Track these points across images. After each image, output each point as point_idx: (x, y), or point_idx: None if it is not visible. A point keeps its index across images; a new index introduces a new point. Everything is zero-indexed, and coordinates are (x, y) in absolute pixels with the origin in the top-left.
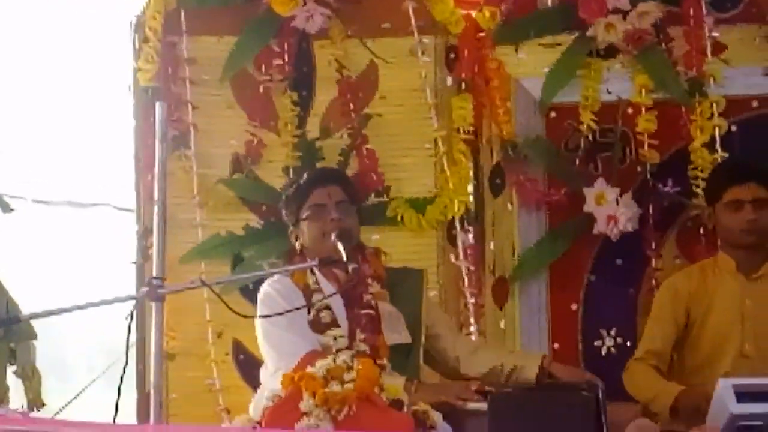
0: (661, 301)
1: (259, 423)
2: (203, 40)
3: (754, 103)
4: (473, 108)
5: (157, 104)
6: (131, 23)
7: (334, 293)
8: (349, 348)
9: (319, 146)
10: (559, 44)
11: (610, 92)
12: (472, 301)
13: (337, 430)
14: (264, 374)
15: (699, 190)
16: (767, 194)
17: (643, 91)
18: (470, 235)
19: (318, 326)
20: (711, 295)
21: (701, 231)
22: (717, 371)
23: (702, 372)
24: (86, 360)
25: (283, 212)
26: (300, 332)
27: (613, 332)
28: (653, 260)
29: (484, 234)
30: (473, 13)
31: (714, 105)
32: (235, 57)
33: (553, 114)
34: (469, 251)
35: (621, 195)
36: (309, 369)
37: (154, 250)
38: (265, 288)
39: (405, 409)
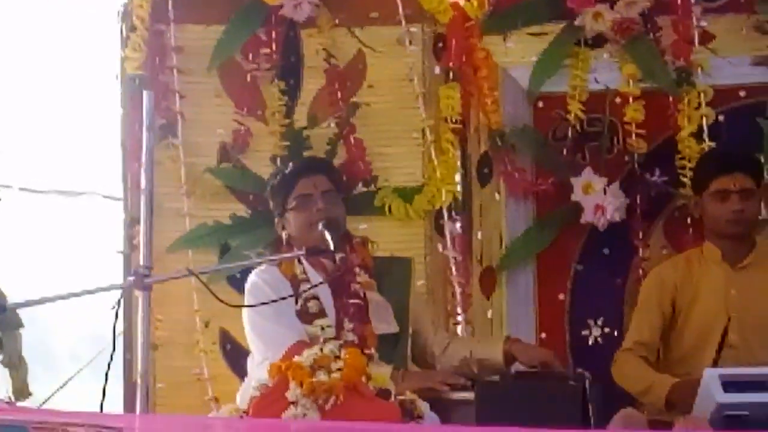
0: (647, 292)
1: (246, 412)
2: (191, 29)
3: (742, 93)
4: (461, 97)
5: (145, 93)
6: (118, 12)
7: (322, 282)
8: (336, 338)
9: (307, 135)
10: (547, 33)
11: (597, 82)
12: (460, 290)
13: (324, 419)
14: (251, 364)
15: (686, 180)
16: (754, 184)
17: (631, 80)
18: (458, 225)
19: (305, 316)
20: (697, 285)
21: (688, 221)
22: (702, 361)
23: (688, 362)
24: (73, 349)
25: (270, 202)
26: (287, 322)
27: (600, 322)
28: (640, 250)
29: (471, 223)
30: (461, 2)
31: (701, 95)
32: (222, 46)
33: (540, 103)
34: (456, 241)
35: (608, 184)
36: (296, 358)
37: (141, 240)
38: (252, 278)
39: (392, 398)
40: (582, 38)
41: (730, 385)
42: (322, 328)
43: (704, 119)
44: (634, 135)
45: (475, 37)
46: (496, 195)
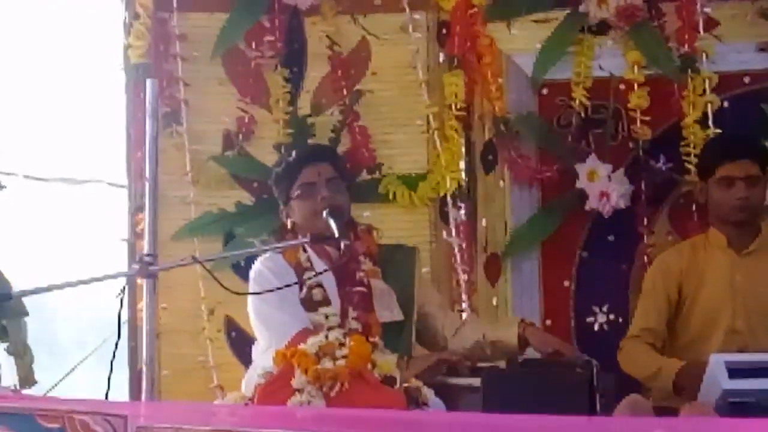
0: (652, 279)
1: (251, 400)
2: (194, 17)
3: (747, 79)
4: (465, 84)
5: (148, 81)
6: (122, 0)
7: (326, 270)
8: (341, 326)
9: (311, 123)
10: (551, 20)
11: (602, 68)
12: (464, 277)
13: (329, 406)
14: (256, 352)
15: (691, 167)
16: (759, 171)
17: (636, 67)
18: (462, 212)
19: (310, 304)
20: (702, 271)
21: (693, 207)
22: (708, 347)
23: (693, 348)
24: (78, 337)
25: (274, 190)
26: (291, 310)
27: (605, 309)
28: (645, 236)
29: (476, 210)
30: None
31: (706, 81)
32: (226, 33)
33: (545, 90)
34: (461, 228)
35: (613, 171)
36: (301, 346)
37: (146, 228)
38: (257, 266)
39: (397, 385)
40: (586, 25)
41: (735, 371)
42: (327, 316)
43: (709, 106)
44: (638, 122)
45: (479, 24)
46: (501, 182)
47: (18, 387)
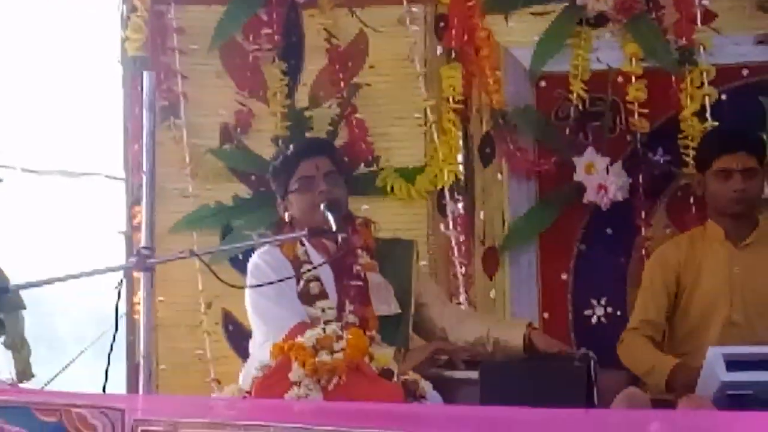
0: (651, 271)
1: (249, 393)
2: (191, 9)
3: (744, 72)
4: (463, 77)
5: (145, 74)
6: None
7: (324, 263)
8: (337, 319)
9: (309, 116)
10: (549, 13)
11: (600, 61)
12: (462, 270)
13: (326, 399)
14: (253, 345)
15: (689, 159)
16: (756, 163)
17: (633, 59)
18: (460, 205)
19: (307, 298)
20: (700, 264)
21: (691, 200)
22: (706, 339)
23: (692, 340)
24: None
25: (272, 183)
26: (289, 304)
27: (603, 301)
28: (643, 229)
29: (473, 203)
30: None
31: (704, 74)
32: (223, 26)
33: (543, 83)
34: (458, 221)
35: (611, 164)
36: (298, 339)
37: (143, 221)
38: (254, 259)
39: (395, 378)
40: (584, 17)
41: (733, 363)
42: (323, 310)
43: (707, 98)
44: (636, 114)
45: (476, 16)
46: (499, 175)
47: (15, 380)
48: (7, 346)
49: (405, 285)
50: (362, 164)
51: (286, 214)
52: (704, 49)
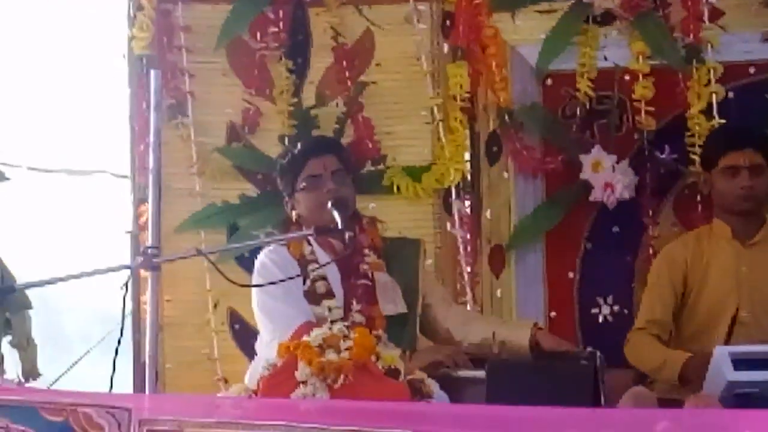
0: (658, 270)
1: (255, 392)
2: (198, 8)
3: (752, 69)
4: (469, 75)
5: (152, 72)
6: None
7: (330, 261)
8: (344, 319)
9: (315, 114)
10: (556, 11)
11: (606, 59)
12: (468, 269)
13: (333, 398)
14: (260, 344)
15: (696, 157)
16: (763, 160)
17: (640, 57)
18: (466, 203)
19: (313, 297)
20: (707, 262)
21: (698, 198)
22: (713, 338)
23: (699, 339)
24: (82, 330)
25: (279, 182)
26: (295, 303)
27: (610, 300)
28: (650, 227)
29: (480, 202)
30: None
31: (711, 71)
32: (230, 24)
33: (549, 81)
34: (465, 219)
35: (618, 162)
36: (305, 338)
37: (149, 220)
38: (261, 258)
39: (401, 377)
40: (590, 15)
41: (740, 362)
42: (330, 309)
43: (714, 96)
44: (643, 112)
45: (483, 14)
46: (505, 173)
47: (22, 380)
48: (13, 345)
49: (412, 284)
50: (369, 163)
51: (293, 213)
52: (711, 46)
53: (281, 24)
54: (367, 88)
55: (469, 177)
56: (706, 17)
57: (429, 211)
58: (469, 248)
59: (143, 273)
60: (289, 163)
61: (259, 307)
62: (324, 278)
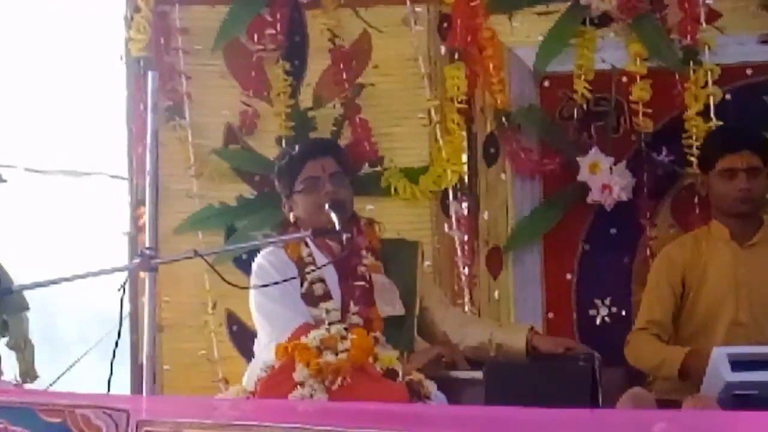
0: (657, 272)
1: (253, 394)
2: (195, 10)
3: (749, 71)
4: (467, 77)
5: (149, 74)
6: None
7: (328, 263)
8: (341, 321)
9: (312, 116)
10: (553, 13)
11: (604, 61)
12: (466, 271)
13: (330, 400)
14: (257, 346)
15: (693, 159)
16: (761, 163)
17: (638, 59)
18: (464, 205)
19: (311, 299)
20: (705, 264)
21: (696, 199)
22: (712, 340)
23: (697, 340)
24: (79, 331)
25: (276, 183)
26: (293, 305)
27: (607, 301)
28: (648, 229)
29: (478, 204)
30: None
31: (708, 73)
32: (227, 26)
33: (546, 83)
34: (462, 221)
35: (615, 164)
36: (303, 339)
37: (147, 221)
38: (258, 260)
39: (399, 379)
40: (588, 17)
41: (738, 364)
42: (328, 311)
43: (711, 98)
44: (640, 114)
45: (480, 16)
46: (503, 175)
47: (19, 381)
48: (10, 347)
49: (410, 286)
50: (366, 164)
51: (291, 215)
52: (708, 48)
53: (278, 26)
54: (364, 90)
55: (466, 179)
56: (703, 19)
57: (426, 212)
58: (466, 250)
59: (141, 274)
60: (287, 165)
61: (256, 309)
62: (322, 280)
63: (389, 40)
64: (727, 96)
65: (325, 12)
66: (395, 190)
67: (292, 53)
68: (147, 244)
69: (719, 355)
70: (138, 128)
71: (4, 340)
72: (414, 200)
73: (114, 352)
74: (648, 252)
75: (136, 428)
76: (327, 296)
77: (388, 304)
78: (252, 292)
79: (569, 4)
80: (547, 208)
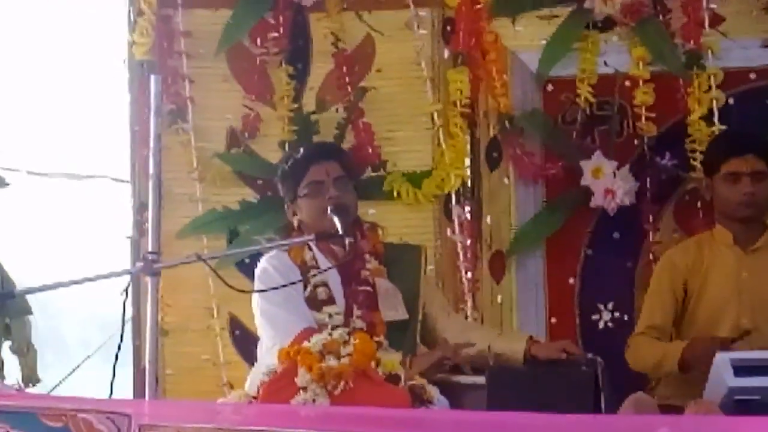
0: (659, 276)
1: (255, 398)
2: (198, 13)
3: (752, 75)
4: (470, 81)
5: (152, 78)
6: None
7: (332, 267)
8: (345, 325)
9: (315, 120)
10: (557, 17)
11: (607, 65)
12: (469, 275)
13: (333, 404)
14: (260, 350)
15: (696, 163)
16: (765, 167)
17: (641, 63)
18: (467, 209)
19: (314, 303)
20: (708, 268)
21: (699, 204)
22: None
23: None
24: (82, 335)
25: (280, 187)
26: (296, 310)
27: (610, 306)
28: (651, 234)
29: (480, 208)
30: None
31: (712, 77)
32: (230, 30)
33: (550, 87)
34: (465, 225)
35: (618, 168)
36: (305, 344)
37: (149, 225)
38: (262, 264)
39: (402, 383)
40: (591, 21)
41: (741, 369)
42: (331, 315)
43: (714, 102)
44: (644, 118)
45: (483, 20)
46: (505, 179)
47: (22, 385)
48: (13, 350)
49: (413, 290)
50: (369, 168)
51: (295, 219)
52: (712, 52)
53: (282, 29)
54: (367, 94)
55: (469, 183)
56: (706, 23)
57: (429, 217)
58: (469, 254)
59: (144, 278)
60: (291, 169)
61: (259, 313)
62: (325, 284)
63: (392, 44)
64: (731, 100)
65: (328, 16)
66: (398, 194)
67: (295, 57)
68: (150, 248)
69: (722, 361)
70: (141, 132)
71: (7, 344)
72: (417, 204)
73: (116, 356)
74: (651, 256)
75: None
76: (330, 300)
77: (392, 309)
78: (255, 296)
79: (573, 8)
80: (549, 212)
